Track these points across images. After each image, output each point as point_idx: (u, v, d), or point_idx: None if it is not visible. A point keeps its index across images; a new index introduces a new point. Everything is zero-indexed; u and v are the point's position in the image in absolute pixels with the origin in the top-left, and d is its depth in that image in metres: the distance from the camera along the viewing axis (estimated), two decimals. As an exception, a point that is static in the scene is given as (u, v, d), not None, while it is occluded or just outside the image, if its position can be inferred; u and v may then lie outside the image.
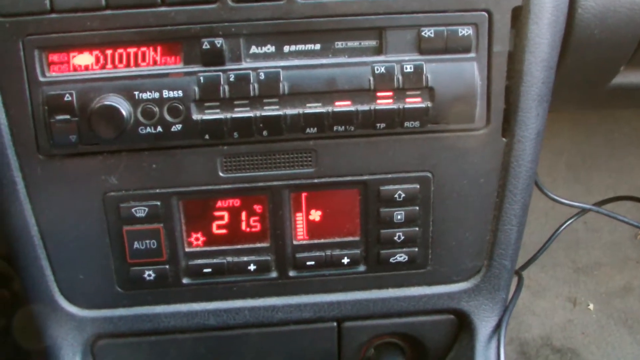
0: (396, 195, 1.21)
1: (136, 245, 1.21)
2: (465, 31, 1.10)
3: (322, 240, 1.24)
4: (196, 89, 1.09)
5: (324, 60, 1.11)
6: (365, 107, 1.11)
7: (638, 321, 2.36)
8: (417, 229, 1.24)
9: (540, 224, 2.22)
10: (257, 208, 1.21)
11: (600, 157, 2.43)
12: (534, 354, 2.26)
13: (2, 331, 2.00)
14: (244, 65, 1.10)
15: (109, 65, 1.09)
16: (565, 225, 1.70)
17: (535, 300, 2.43)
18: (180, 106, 1.09)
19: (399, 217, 1.22)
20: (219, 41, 1.08)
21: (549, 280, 2.48)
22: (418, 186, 1.20)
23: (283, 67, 1.10)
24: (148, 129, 1.10)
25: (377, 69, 1.10)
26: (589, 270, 2.50)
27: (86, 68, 1.09)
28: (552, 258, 2.46)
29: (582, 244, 2.51)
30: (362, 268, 1.27)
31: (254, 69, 1.09)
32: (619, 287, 2.47)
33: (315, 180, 1.19)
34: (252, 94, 1.09)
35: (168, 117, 1.09)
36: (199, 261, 1.24)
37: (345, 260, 1.25)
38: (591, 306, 2.43)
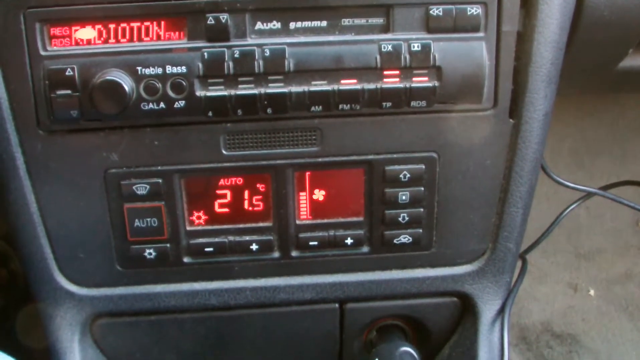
0: (401, 176, 1.19)
1: (137, 223, 1.20)
2: (475, 10, 1.09)
3: (326, 221, 1.23)
4: (200, 65, 1.07)
5: (331, 38, 1.10)
6: (372, 86, 1.10)
7: (638, 308, 2.36)
8: (421, 210, 1.23)
9: (543, 208, 2.20)
10: (260, 187, 1.20)
11: (604, 143, 2.42)
12: (534, 339, 2.26)
13: (0, 311, 1.99)
14: (249, 41, 1.08)
15: (112, 40, 1.07)
16: (568, 210, 1.69)
17: (536, 285, 2.42)
18: (184, 82, 1.08)
19: (403, 197, 1.21)
20: (224, 16, 1.06)
21: (550, 266, 2.48)
22: (423, 166, 1.19)
23: (289, 44, 1.08)
24: (151, 105, 1.08)
25: (384, 47, 1.09)
26: (590, 257, 2.50)
27: (88, 42, 1.07)
28: (553, 244, 2.45)
29: (584, 230, 2.50)
30: (365, 249, 1.26)
31: (259, 46, 1.08)
32: (620, 274, 2.46)
33: (320, 160, 1.18)
34: (256, 70, 1.08)
35: (171, 93, 1.08)
36: (201, 240, 1.23)
37: (349, 241, 1.24)
38: (592, 292, 2.42)
